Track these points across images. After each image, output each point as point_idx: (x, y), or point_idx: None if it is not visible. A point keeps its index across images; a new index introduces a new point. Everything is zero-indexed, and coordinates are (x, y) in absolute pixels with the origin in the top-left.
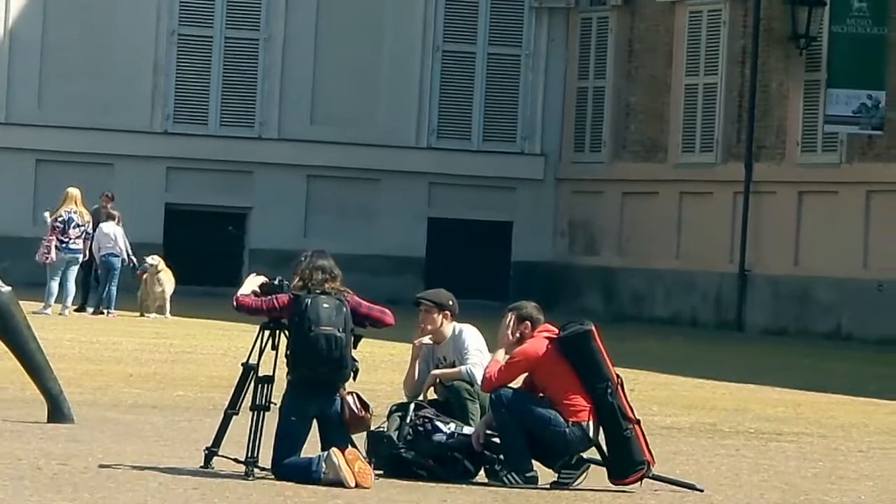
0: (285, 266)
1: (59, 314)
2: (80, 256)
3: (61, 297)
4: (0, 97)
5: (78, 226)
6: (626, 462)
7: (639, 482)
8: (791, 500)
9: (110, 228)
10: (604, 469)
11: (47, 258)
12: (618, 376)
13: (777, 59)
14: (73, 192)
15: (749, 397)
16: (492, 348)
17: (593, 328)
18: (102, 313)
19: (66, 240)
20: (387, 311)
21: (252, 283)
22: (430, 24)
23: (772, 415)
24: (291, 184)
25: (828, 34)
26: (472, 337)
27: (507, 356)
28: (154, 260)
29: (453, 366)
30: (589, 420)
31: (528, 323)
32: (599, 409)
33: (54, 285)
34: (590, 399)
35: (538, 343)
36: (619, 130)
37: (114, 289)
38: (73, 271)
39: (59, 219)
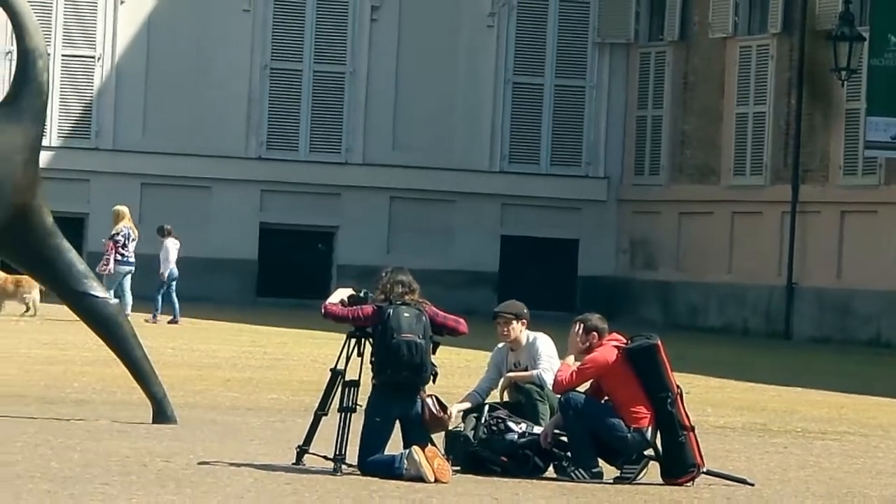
0: (370, 280)
1: None
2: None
3: (122, 304)
4: (108, 126)
5: (133, 240)
6: (678, 464)
7: (690, 482)
8: (835, 493)
9: (174, 244)
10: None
11: (106, 269)
12: (678, 387)
13: (820, 90)
14: (125, 209)
15: (796, 399)
16: (561, 355)
17: (659, 342)
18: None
19: (127, 253)
20: (461, 320)
21: (339, 293)
22: (501, 58)
23: (817, 415)
24: (375, 205)
25: (867, 67)
26: (545, 344)
27: (578, 362)
28: None
29: (526, 370)
30: (648, 426)
31: (595, 333)
32: (659, 417)
33: (125, 295)
34: (651, 407)
35: (608, 352)
36: (675, 155)
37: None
38: (129, 280)
39: (121, 234)
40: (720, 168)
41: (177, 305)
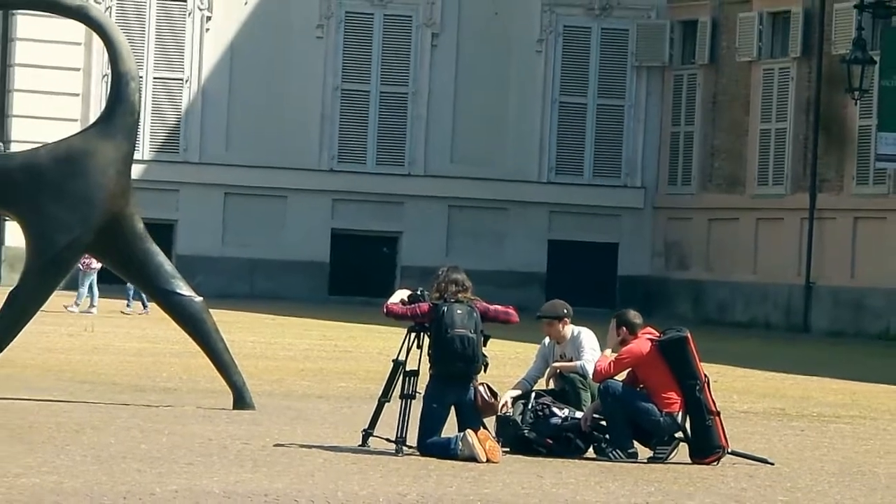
0: (429, 280)
1: (87, 311)
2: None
3: (93, 299)
4: (195, 141)
5: None
6: (705, 446)
7: (716, 462)
8: (846, 471)
9: None
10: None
11: (83, 265)
12: (705, 375)
13: (836, 108)
14: None
15: (813, 387)
16: (603, 347)
17: (688, 335)
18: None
19: None
20: (510, 311)
21: (399, 294)
22: (548, 80)
23: (831, 401)
24: (435, 212)
25: (878, 87)
26: (587, 338)
27: (615, 353)
28: None
29: (571, 361)
30: (679, 411)
31: (625, 328)
32: (688, 403)
33: (84, 290)
34: (681, 393)
35: (643, 344)
36: (705, 167)
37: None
38: (94, 276)
39: None
40: (745, 178)
41: (144, 296)
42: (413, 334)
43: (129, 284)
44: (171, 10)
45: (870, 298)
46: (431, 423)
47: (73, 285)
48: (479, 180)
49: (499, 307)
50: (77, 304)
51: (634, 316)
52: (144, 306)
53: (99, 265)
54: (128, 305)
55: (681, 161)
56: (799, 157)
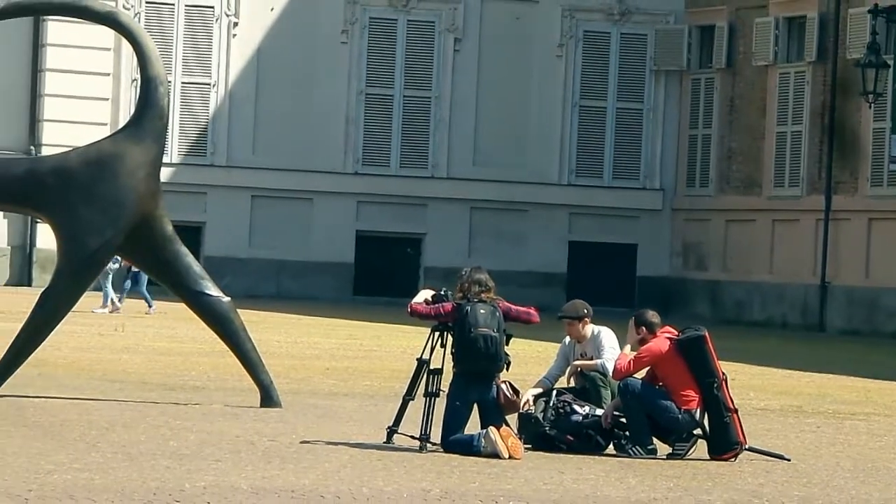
0: (452, 280)
1: (112, 311)
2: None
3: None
4: (222, 145)
5: None
6: (723, 442)
7: (733, 458)
8: (861, 467)
9: None
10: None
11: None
12: (723, 373)
13: (851, 111)
14: None
15: (828, 385)
16: (621, 346)
17: (706, 334)
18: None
19: None
20: (531, 311)
21: (423, 294)
22: (569, 84)
23: (846, 399)
24: (458, 214)
25: (891, 91)
26: (608, 337)
27: (634, 352)
28: None
29: (591, 359)
30: (697, 408)
31: (644, 327)
32: (706, 400)
33: (109, 290)
34: (699, 391)
35: (661, 343)
36: (722, 169)
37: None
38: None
39: None
40: (762, 180)
41: (121, 295)
42: (437, 333)
43: (144, 281)
44: (199, 16)
45: (884, 298)
46: (455, 420)
47: (98, 286)
48: (500, 182)
49: (520, 307)
50: (106, 307)
51: (652, 315)
52: (114, 305)
53: (113, 266)
54: (150, 307)
55: (698, 163)
56: (814, 160)
